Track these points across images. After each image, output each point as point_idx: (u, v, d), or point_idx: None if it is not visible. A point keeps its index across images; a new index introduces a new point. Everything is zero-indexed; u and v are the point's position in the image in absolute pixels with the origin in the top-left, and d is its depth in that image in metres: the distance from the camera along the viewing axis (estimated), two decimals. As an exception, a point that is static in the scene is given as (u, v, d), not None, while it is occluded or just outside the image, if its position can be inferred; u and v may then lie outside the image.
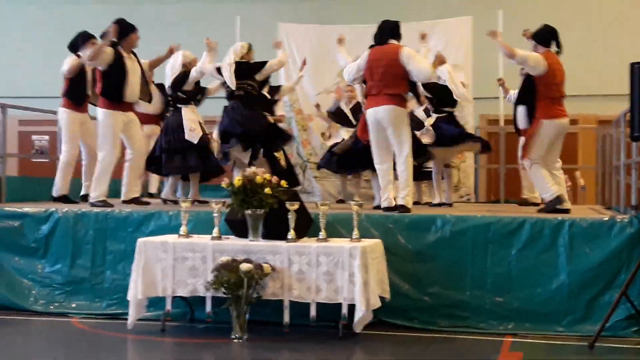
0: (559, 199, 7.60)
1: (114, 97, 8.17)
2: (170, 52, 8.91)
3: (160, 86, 9.56)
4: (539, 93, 7.67)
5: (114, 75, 8.14)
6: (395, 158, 7.68)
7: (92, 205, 8.09)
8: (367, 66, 7.73)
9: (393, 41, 7.75)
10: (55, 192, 8.91)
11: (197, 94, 9.16)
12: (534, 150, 7.67)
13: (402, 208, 7.53)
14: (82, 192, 9.13)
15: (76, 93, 8.88)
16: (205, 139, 8.98)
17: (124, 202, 8.51)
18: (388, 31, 7.81)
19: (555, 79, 7.64)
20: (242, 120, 8.56)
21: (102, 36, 8.39)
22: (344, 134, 9.96)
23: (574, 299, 6.71)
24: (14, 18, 14.91)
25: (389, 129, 7.59)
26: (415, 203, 9.28)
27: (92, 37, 8.93)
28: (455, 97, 9.05)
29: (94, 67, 8.35)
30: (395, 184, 7.83)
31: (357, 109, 9.89)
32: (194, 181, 9.30)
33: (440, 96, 9.13)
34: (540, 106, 7.68)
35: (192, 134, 8.89)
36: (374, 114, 7.65)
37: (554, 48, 7.80)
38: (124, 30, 8.21)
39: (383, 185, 7.73)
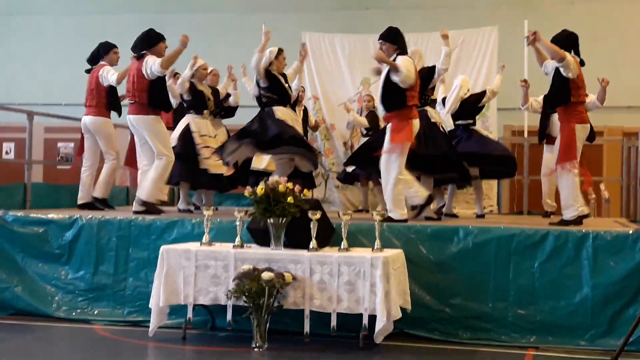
0: (580, 220, 7.50)
1: (164, 106, 8.38)
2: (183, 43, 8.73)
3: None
4: (572, 97, 7.52)
5: (161, 85, 8.28)
6: None
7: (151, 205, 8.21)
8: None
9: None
10: (100, 195, 9.07)
11: (197, 102, 9.22)
12: (566, 156, 7.47)
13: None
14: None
15: (117, 102, 9.04)
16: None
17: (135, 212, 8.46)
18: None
19: (583, 83, 7.60)
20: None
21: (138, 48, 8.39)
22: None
23: (598, 313, 6.64)
24: (47, 28, 15.07)
25: None
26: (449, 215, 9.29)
27: (114, 46, 9.02)
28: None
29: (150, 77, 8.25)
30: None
31: (373, 118, 9.98)
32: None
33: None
34: (573, 111, 7.54)
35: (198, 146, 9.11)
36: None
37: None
38: (153, 40, 8.26)
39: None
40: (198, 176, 9.13)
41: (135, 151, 8.69)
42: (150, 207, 8.19)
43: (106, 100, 8.84)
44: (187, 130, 9.06)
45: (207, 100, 9.20)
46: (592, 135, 7.93)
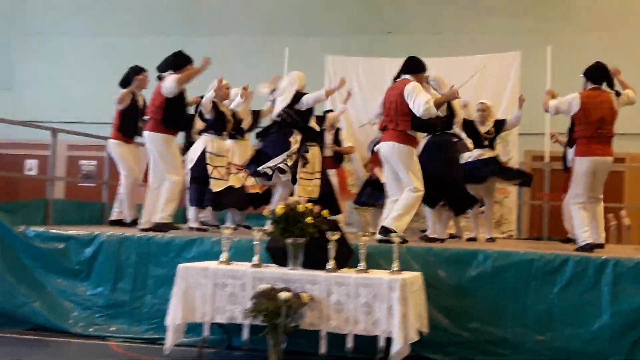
0: (590, 247, 7.49)
1: (176, 125, 8.39)
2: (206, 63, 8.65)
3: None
4: (575, 132, 7.79)
5: (177, 104, 8.31)
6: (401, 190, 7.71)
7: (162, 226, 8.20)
8: (383, 102, 7.92)
9: (407, 76, 7.81)
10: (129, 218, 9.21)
11: (218, 122, 9.12)
12: (572, 189, 7.80)
13: (383, 228, 7.49)
14: (113, 217, 9.29)
15: (128, 126, 9.14)
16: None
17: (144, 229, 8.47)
18: (404, 67, 7.89)
19: (590, 117, 7.61)
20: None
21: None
22: None
23: (617, 340, 6.57)
24: (70, 49, 15.26)
25: (391, 164, 7.71)
26: (453, 236, 9.26)
27: (143, 70, 9.14)
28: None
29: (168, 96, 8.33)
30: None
31: None
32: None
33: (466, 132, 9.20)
34: (576, 144, 7.78)
35: (188, 164, 9.04)
36: (380, 148, 7.84)
37: (605, 87, 7.79)
38: (181, 62, 8.33)
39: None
40: (204, 198, 9.08)
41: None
42: (166, 227, 8.20)
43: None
44: (204, 151, 9.05)
45: (227, 122, 9.23)
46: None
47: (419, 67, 7.88)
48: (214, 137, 8.97)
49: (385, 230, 7.42)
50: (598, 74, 7.80)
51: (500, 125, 9.59)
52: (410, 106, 7.51)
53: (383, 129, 7.84)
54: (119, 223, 9.22)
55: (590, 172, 7.66)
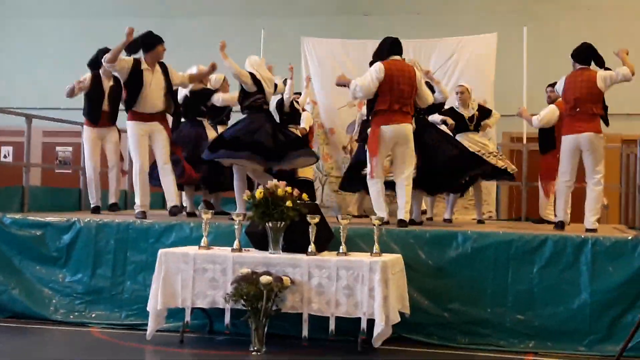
0: (561, 225, 7.83)
1: (133, 108, 8.22)
2: (212, 68, 8.76)
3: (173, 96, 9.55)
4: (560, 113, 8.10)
5: (131, 87, 8.20)
6: (399, 175, 7.76)
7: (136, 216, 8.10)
8: (385, 81, 7.61)
9: (398, 57, 7.83)
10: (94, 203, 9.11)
11: (218, 114, 9.32)
12: (559, 167, 7.97)
13: (401, 223, 7.55)
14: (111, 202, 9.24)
15: (92, 110, 9.01)
16: None
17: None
18: (394, 47, 7.85)
19: (567, 96, 7.87)
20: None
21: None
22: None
23: (596, 318, 6.64)
24: (48, 31, 15.08)
25: (402, 147, 7.70)
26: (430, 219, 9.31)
27: None
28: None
29: (113, 74, 8.43)
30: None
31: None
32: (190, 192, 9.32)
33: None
34: (562, 125, 8.07)
35: None
36: (391, 131, 7.63)
37: (593, 66, 7.86)
38: (150, 42, 8.25)
39: (381, 202, 7.76)
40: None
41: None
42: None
43: None
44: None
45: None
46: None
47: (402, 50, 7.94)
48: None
49: (403, 223, 7.54)
50: (584, 54, 7.88)
51: (485, 113, 9.61)
52: (420, 92, 7.84)
53: (391, 110, 7.62)
54: (115, 207, 9.16)
55: (572, 149, 7.75)
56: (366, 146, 7.85)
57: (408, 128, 7.68)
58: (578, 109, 7.72)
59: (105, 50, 8.99)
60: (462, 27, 12.37)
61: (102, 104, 9.02)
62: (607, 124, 7.85)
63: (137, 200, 8.22)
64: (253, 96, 8.49)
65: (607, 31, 12.82)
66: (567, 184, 7.87)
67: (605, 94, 7.88)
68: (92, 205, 9.12)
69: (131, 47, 8.25)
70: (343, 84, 7.94)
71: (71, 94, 9.01)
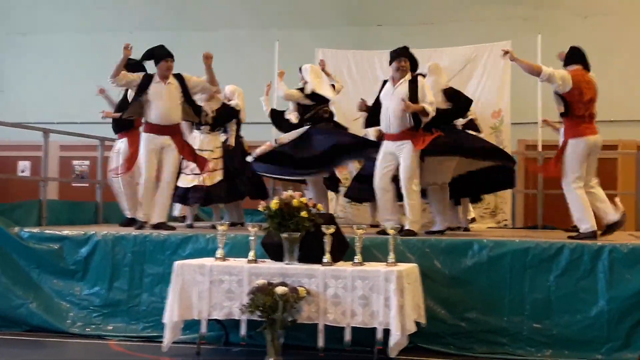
0: (594, 235, 7.41)
1: (139, 120, 8.38)
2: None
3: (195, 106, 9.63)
4: (566, 112, 7.63)
5: (138, 99, 8.30)
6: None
7: (139, 227, 8.19)
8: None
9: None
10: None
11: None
12: (565, 171, 7.58)
13: (409, 233, 7.60)
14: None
15: (116, 121, 9.15)
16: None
17: (153, 226, 8.32)
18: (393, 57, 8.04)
19: (583, 97, 7.53)
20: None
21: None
22: None
23: (614, 326, 6.59)
24: (63, 46, 15.20)
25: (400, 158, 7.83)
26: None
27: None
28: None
29: (119, 86, 8.55)
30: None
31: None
32: (237, 204, 9.39)
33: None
34: (567, 126, 7.68)
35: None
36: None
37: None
38: (155, 56, 8.37)
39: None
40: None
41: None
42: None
43: None
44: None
45: (205, 116, 9.29)
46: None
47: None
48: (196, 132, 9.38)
49: (409, 233, 7.57)
50: (576, 56, 7.77)
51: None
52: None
53: None
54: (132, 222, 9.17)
55: (586, 153, 7.56)
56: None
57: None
58: (590, 112, 7.60)
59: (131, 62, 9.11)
60: (476, 35, 12.34)
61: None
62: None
63: (142, 210, 8.30)
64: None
65: (619, 36, 12.79)
66: (582, 189, 7.54)
67: (622, 100, 7.86)
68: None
69: (142, 59, 8.36)
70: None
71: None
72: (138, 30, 14.56)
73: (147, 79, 8.32)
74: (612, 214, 7.58)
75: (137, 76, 8.35)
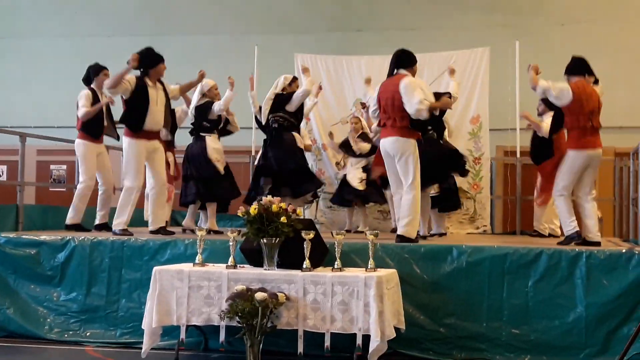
0: (578, 235, 7.49)
1: (136, 126, 8.17)
2: (201, 77, 8.90)
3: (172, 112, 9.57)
4: (567, 123, 7.59)
5: (136, 104, 8.15)
6: (402, 188, 7.71)
7: (114, 233, 8.11)
8: (378, 98, 7.82)
9: (401, 70, 7.77)
10: (69, 220, 8.96)
11: (220, 124, 9.23)
12: (560, 181, 7.58)
13: (400, 238, 7.48)
14: (97, 222, 9.15)
15: (92, 125, 8.94)
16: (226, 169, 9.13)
17: (151, 232, 8.33)
18: (395, 61, 7.84)
19: (584, 109, 7.43)
20: (274, 159, 8.93)
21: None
22: (351, 164, 10.35)
23: (592, 332, 6.64)
24: (43, 51, 15.11)
25: (396, 160, 7.63)
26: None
27: (103, 68, 9.03)
28: None
29: (115, 95, 8.42)
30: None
31: (363, 140, 10.14)
32: (211, 211, 9.30)
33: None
34: (569, 136, 7.62)
35: (217, 164, 8.98)
36: (382, 145, 7.74)
37: (588, 78, 7.66)
38: (153, 59, 8.26)
39: (398, 215, 7.73)
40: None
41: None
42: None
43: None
44: (205, 151, 9.08)
45: (221, 122, 9.31)
46: None
47: (412, 60, 7.83)
48: (214, 137, 9.15)
49: (403, 239, 7.45)
50: (578, 66, 7.66)
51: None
52: (404, 103, 7.49)
53: (382, 125, 7.78)
54: (104, 227, 9.08)
55: (583, 166, 7.50)
56: None
57: (392, 140, 7.59)
58: (592, 123, 7.49)
59: (95, 67, 9.03)
60: (455, 42, 12.40)
61: (103, 119, 9.02)
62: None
63: (121, 218, 8.22)
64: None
65: (597, 44, 12.89)
66: (567, 197, 7.59)
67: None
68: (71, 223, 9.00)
69: (150, 60, 8.25)
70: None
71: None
72: (117, 35, 14.52)
73: (142, 83, 8.17)
74: (592, 234, 7.51)
75: (131, 80, 8.15)
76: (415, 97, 7.43)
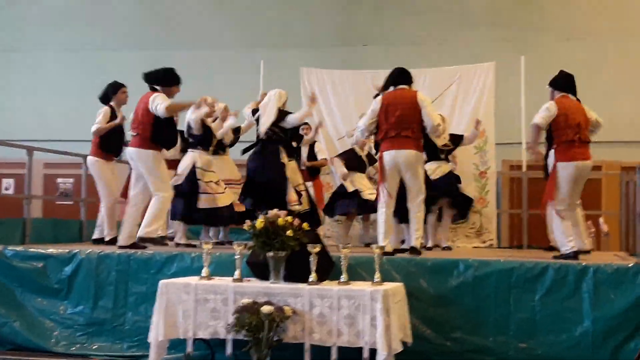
0: (575, 255, 7.44)
1: (166, 143, 8.23)
2: (198, 105, 8.91)
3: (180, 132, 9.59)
4: (554, 138, 7.68)
5: (167, 123, 8.12)
6: (410, 201, 7.76)
7: (154, 241, 8.09)
8: (382, 110, 7.79)
9: (404, 86, 7.85)
10: (107, 237, 9.05)
11: (206, 138, 9.18)
12: (554, 196, 7.59)
13: (414, 251, 7.59)
14: (96, 236, 9.18)
15: (110, 142, 8.99)
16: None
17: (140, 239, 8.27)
18: (399, 76, 7.92)
19: (569, 122, 7.56)
20: (252, 170, 8.83)
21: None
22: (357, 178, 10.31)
23: (599, 346, 6.61)
24: (50, 64, 15.19)
25: (407, 173, 7.65)
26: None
27: (122, 86, 9.07)
28: None
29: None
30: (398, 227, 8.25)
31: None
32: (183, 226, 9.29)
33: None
34: (556, 150, 7.67)
35: (175, 179, 8.93)
36: (391, 156, 7.70)
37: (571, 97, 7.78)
38: (173, 79, 8.27)
39: (385, 230, 7.74)
40: (194, 213, 9.06)
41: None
42: (152, 242, 8.11)
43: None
44: (193, 167, 9.03)
45: (213, 138, 9.25)
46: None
47: (411, 79, 7.99)
48: (201, 153, 9.03)
49: (416, 252, 7.59)
50: (564, 82, 7.82)
51: (458, 140, 9.74)
52: (423, 115, 7.66)
53: (387, 137, 7.76)
54: (100, 241, 9.11)
55: (574, 177, 7.58)
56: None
57: (407, 153, 7.65)
58: (579, 136, 7.59)
59: (114, 84, 9.06)
60: (460, 57, 12.44)
61: (120, 137, 9.04)
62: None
63: (156, 225, 8.19)
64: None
65: (602, 59, 12.93)
66: (565, 213, 7.59)
67: (605, 121, 7.92)
68: (107, 238, 9.03)
69: (151, 78, 8.20)
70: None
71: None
72: (125, 49, 14.60)
73: None
74: (579, 242, 7.63)
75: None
76: (435, 113, 7.74)
